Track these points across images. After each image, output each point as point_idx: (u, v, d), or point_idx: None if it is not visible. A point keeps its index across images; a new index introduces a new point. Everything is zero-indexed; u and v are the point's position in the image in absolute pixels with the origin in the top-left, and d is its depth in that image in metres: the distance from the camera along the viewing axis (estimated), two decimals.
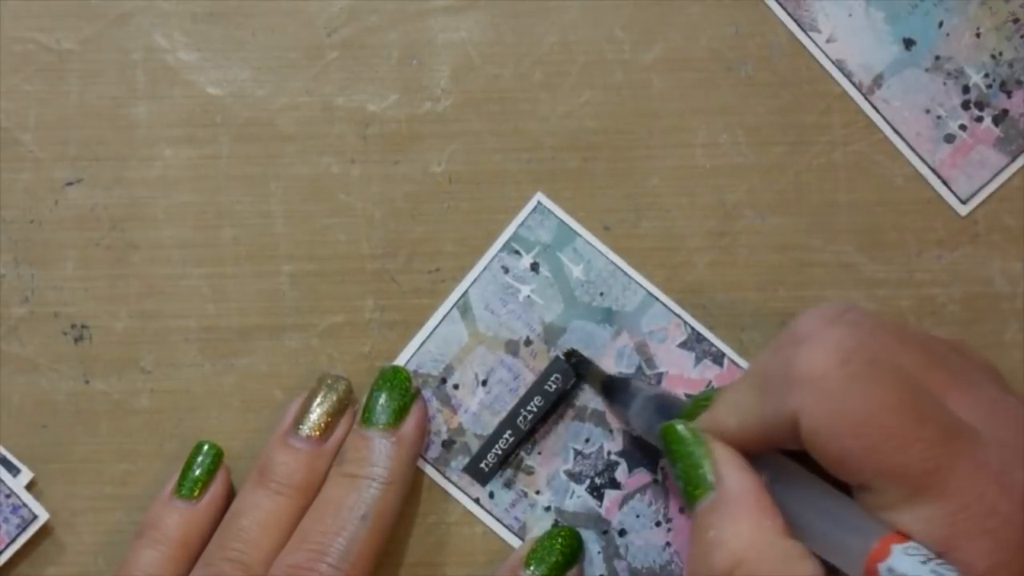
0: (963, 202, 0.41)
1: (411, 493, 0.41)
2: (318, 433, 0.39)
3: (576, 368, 0.40)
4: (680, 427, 0.35)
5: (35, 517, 0.40)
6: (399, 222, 0.41)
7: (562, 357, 0.41)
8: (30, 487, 0.40)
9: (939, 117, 0.41)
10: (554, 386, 0.40)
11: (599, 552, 0.40)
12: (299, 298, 0.41)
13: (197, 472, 0.39)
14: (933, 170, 0.41)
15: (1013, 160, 0.41)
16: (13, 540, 0.40)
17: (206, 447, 0.40)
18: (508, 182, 0.41)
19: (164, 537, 0.38)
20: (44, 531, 0.40)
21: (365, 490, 0.38)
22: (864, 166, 0.42)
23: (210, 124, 0.41)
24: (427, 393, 0.41)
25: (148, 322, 0.41)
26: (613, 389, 0.40)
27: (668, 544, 0.40)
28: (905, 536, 0.30)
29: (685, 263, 0.41)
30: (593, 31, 0.42)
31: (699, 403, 0.36)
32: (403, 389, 0.40)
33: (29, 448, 0.41)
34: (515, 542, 0.40)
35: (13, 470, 0.40)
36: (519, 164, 0.41)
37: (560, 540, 0.39)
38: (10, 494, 0.40)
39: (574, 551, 0.39)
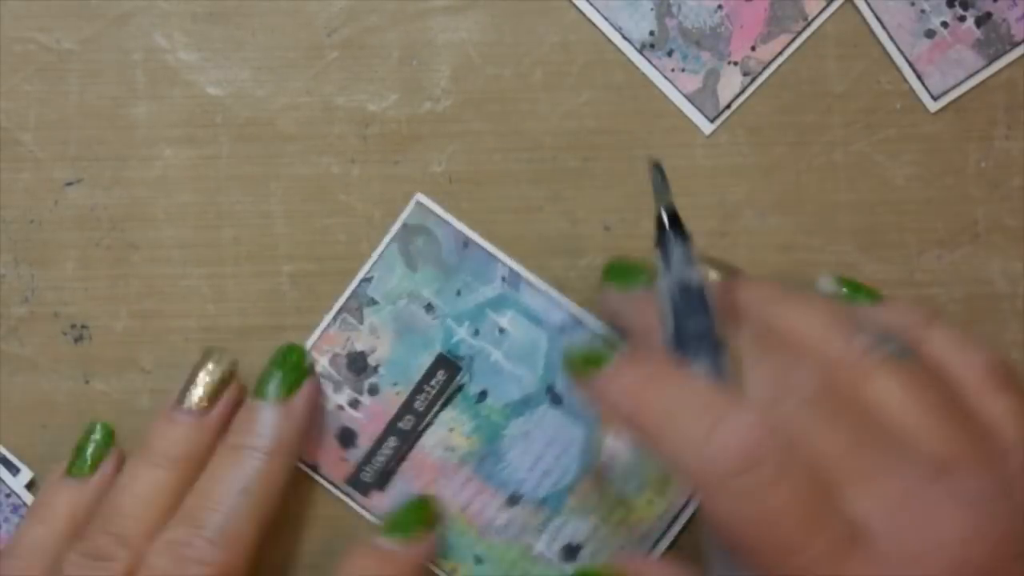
0: (935, 98, 0.41)
1: None
2: (202, 405, 0.39)
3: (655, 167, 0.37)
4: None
5: None
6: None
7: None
8: (30, 486, 0.40)
9: (923, 11, 0.41)
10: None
11: (652, 9, 0.40)
12: (299, 298, 0.41)
13: (88, 451, 0.39)
14: (909, 63, 0.41)
15: (989, 64, 0.41)
16: None
17: (98, 427, 0.40)
18: (508, 182, 0.41)
19: (52, 514, 0.38)
20: None
21: (247, 461, 0.38)
22: (864, 166, 0.42)
23: (210, 124, 0.41)
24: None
25: (148, 322, 0.41)
26: (674, 225, 0.36)
27: (720, 7, 0.40)
28: None
29: None
30: (593, 31, 0.42)
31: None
32: (296, 365, 0.39)
33: (29, 448, 0.41)
34: None
35: (13, 469, 0.40)
36: (519, 164, 0.41)
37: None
38: (10, 493, 0.40)
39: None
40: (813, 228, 0.41)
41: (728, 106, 0.41)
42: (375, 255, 0.41)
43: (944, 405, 0.32)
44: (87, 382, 0.41)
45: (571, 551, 0.40)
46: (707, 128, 0.42)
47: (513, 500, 0.40)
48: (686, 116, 0.42)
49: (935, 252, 0.42)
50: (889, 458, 0.31)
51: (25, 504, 0.40)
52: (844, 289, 0.37)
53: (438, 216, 0.41)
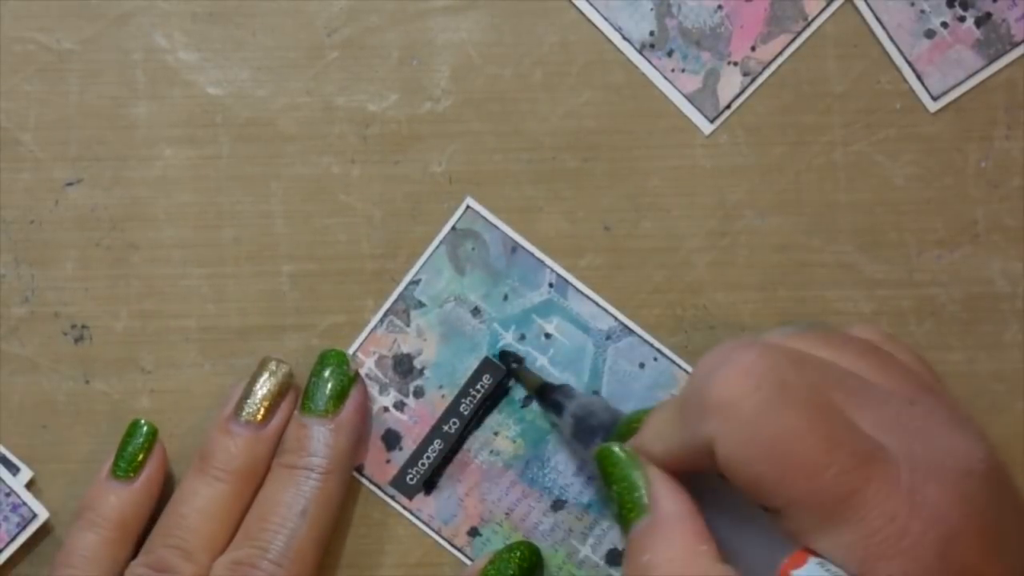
0: (935, 99, 0.41)
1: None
2: (258, 418, 0.39)
3: (511, 368, 0.40)
4: (616, 449, 0.35)
5: (35, 516, 0.40)
6: (399, 222, 0.41)
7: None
8: (29, 486, 0.40)
9: (923, 11, 0.41)
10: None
11: (652, 10, 0.40)
12: (299, 298, 0.41)
13: (131, 451, 0.39)
14: (909, 63, 0.41)
15: (989, 64, 0.41)
16: (13, 539, 0.40)
17: (142, 426, 0.40)
18: (508, 182, 0.41)
19: (101, 519, 0.38)
20: (44, 530, 0.40)
21: (303, 483, 0.38)
22: (864, 166, 0.42)
23: (210, 124, 0.41)
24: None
25: (148, 322, 0.41)
26: (547, 393, 0.40)
27: (720, 7, 0.40)
28: (818, 555, 0.30)
29: (685, 263, 0.41)
30: (593, 31, 0.42)
31: (633, 421, 0.36)
32: (340, 372, 0.39)
33: (29, 448, 0.41)
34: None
35: (12, 468, 0.40)
36: (519, 164, 0.41)
37: (518, 554, 0.39)
38: (10, 492, 0.40)
39: (532, 566, 0.39)
40: (813, 228, 0.41)
41: (728, 106, 0.41)
42: (423, 258, 0.41)
43: (882, 361, 0.34)
44: (87, 382, 0.41)
45: (616, 556, 0.40)
46: (707, 128, 0.42)
47: (558, 505, 0.41)
48: (686, 116, 0.42)
49: (935, 252, 0.42)
50: (867, 393, 0.32)
51: (25, 503, 0.40)
52: None
53: (487, 220, 0.41)
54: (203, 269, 0.41)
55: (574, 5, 0.41)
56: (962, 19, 0.41)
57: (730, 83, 0.41)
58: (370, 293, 0.41)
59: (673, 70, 0.41)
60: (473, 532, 0.41)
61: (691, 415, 0.32)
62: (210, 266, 0.41)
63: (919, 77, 0.41)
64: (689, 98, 0.41)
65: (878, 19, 0.41)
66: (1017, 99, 0.42)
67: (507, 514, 0.40)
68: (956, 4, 0.41)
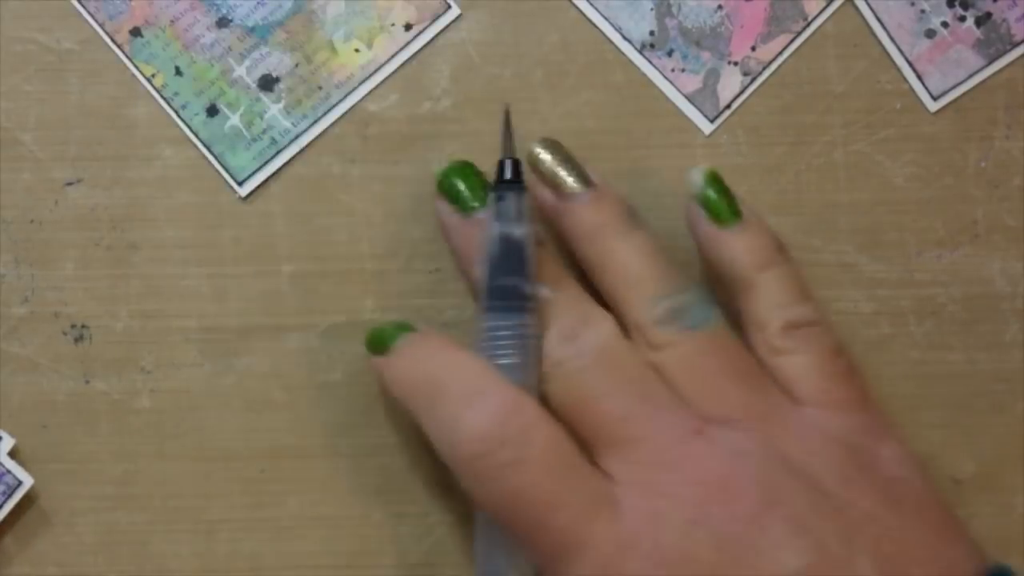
0: (935, 99, 0.41)
1: (410, 494, 0.41)
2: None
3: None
4: None
5: (20, 483, 0.40)
6: (399, 222, 0.41)
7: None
8: (12, 454, 0.40)
9: (923, 11, 0.41)
10: None
11: (652, 10, 0.40)
12: (299, 298, 0.41)
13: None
14: (909, 63, 0.41)
15: (989, 64, 0.41)
16: None
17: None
18: None
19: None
20: (29, 498, 0.40)
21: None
22: (864, 166, 0.42)
23: None
24: None
25: (148, 322, 0.41)
26: (514, 176, 0.38)
27: (720, 7, 0.40)
28: None
29: (685, 263, 0.41)
30: (593, 31, 0.42)
31: None
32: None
33: (29, 448, 0.41)
34: None
35: None
36: None
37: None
38: None
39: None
40: (813, 228, 0.42)
41: (728, 106, 0.41)
42: None
43: (726, 369, 0.34)
44: (87, 382, 0.41)
45: (268, 81, 0.41)
46: (707, 128, 0.42)
47: (223, 22, 0.41)
48: (686, 116, 0.42)
49: (935, 252, 0.42)
50: (654, 422, 0.33)
51: (9, 471, 0.40)
52: (708, 191, 0.38)
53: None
54: (203, 269, 0.41)
55: (574, 5, 0.41)
56: (962, 19, 0.41)
57: (730, 83, 0.41)
58: (370, 293, 0.41)
59: (673, 70, 0.41)
60: (136, 32, 0.41)
61: (435, 426, 0.35)
62: (210, 266, 0.41)
63: (919, 77, 0.41)
64: (689, 98, 0.41)
65: (878, 19, 0.41)
66: (1017, 99, 0.42)
67: (172, 22, 0.41)
68: (956, 4, 0.41)
